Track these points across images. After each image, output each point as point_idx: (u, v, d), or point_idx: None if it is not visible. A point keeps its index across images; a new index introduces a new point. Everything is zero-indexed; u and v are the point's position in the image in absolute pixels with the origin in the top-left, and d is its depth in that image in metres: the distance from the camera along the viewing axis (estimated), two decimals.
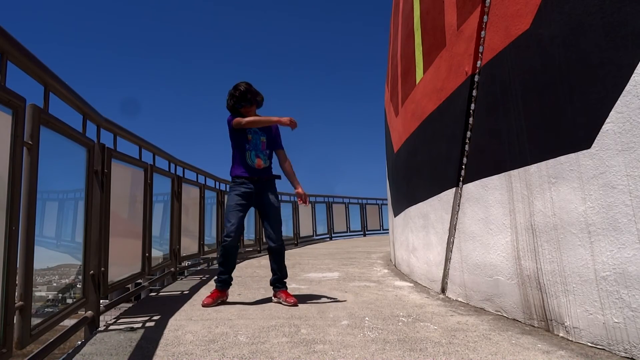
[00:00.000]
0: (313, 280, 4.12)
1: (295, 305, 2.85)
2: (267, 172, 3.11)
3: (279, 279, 3.05)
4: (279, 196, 3.24)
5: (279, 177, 3.18)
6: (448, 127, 3.18)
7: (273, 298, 3.04)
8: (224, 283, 3.00)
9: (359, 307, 2.82)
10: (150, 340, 2.09)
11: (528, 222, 2.33)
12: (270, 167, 3.15)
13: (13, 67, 1.71)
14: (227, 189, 6.90)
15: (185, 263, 5.37)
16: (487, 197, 2.68)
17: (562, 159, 2.09)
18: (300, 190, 3.17)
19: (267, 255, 3.14)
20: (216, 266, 5.78)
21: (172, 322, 2.46)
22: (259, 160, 3.05)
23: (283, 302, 2.92)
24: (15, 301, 1.60)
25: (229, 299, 3.06)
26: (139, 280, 3.80)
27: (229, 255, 2.98)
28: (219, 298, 2.96)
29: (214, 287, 3.02)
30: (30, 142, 1.71)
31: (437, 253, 3.42)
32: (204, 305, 2.86)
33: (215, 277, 3.02)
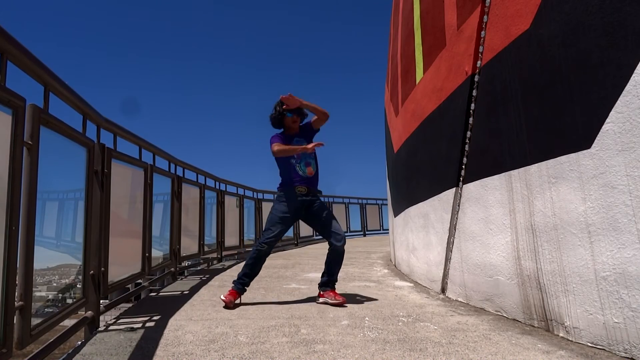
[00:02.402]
0: (313, 280, 4.12)
1: (343, 303, 2.86)
2: (316, 180, 3.14)
3: (332, 282, 3.04)
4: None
5: (321, 192, 3.24)
6: (448, 127, 3.18)
7: (319, 299, 3.00)
8: (245, 285, 3.00)
9: (359, 307, 2.82)
10: (150, 340, 2.09)
11: (528, 222, 2.33)
12: (318, 171, 3.18)
13: (13, 67, 1.71)
14: (226, 189, 6.89)
15: (185, 263, 5.37)
16: (487, 197, 2.68)
17: (562, 159, 2.09)
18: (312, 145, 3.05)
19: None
20: (217, 266, 5.79)
21: (172, 322, 2.46)
22: (309, 169, 3.08)
23: (330, 301, 2.91)
24: (15, 301, 1.60)
25: None
26: (139, 280, 3.80)
27: (260, 260, 3.01)
28: (237, 298, 2.96)
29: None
30: (30, 142, 1.71)
31: (437, 253, 3.42)
32: (226, 304, 2.85)
33: (238, 279, 2.99)
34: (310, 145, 2.96)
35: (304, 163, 3.07)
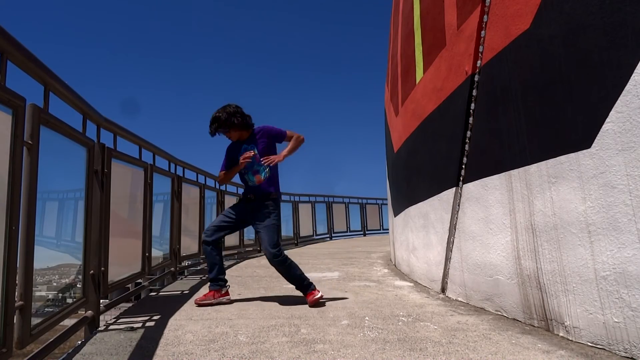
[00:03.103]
0: (313, 280, 4.10)
1: (316, 303, 2.84)
2: (268, 185, 3.05)
3: (298, 288, 2.99)
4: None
5: (275, 195, 3.11)
6: (448, 127, 3.18)
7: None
8: (219, 281, 3.07)
9: (359, 307, 2.82)
10: (150, 340, 2.09)
11: (528, 221, 2.33)
12: (272, 176, 3.08)
13: (13, 67, 1.71)
14: (226, 189, 6.90)
15: (185, 263, 5.37)
16: (487, 196, 2.68)
17: (562, 158, 2.09)
18: (279, 156, 3.01)
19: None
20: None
21: (172, 321, 2.46)
22: (257, 177, 3.05)
23: (308, 304, 2.87)
24: (15, 301, 1.60)
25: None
26: (139, 280, 3.80)
27: (209, 252, 3.09)
28: (218, 296, 3.02)
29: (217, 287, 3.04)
30: (30, 142, 1.71)
31: (437, 253, 3.42)
32: (198, 304, 2.92)
33: (210, 278, 3.07)
34: (241, 161, 2.97)
35: (251, 172, 3.05)
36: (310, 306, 2.81)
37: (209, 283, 3.05)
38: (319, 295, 2.88)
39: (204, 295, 3.01)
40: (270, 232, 2.95)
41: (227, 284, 3.09)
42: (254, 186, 3.05)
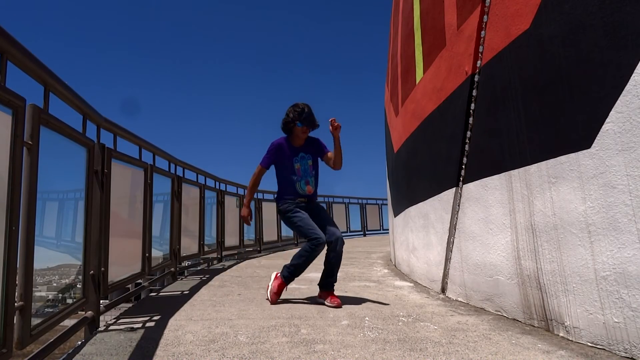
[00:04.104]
0: (313, 280, 4.11)
1: (339, 306, 2.83)
2: (315, 196, 3.19)
3: (331, 283, 3.02)
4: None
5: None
6: (448, 127, 3.18)
7: (318, 298, 3.01)
8: (292, 275, 3.04)
9: (359, 307, 2.82)
10: (150, 340, 2.09)
11: (528, 222, 2.33)
12: (317, 185, 3.20)
13: (13, 67, 1.71)
14: (226, 189, 6.89)
15: (185, 263, 5.37)
16: (487, 197, 2.68)
17: (562, 158, 2.09)
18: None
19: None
20: (217, 266, 5.79)
21: (172, 322, 2.46)
22: (308, 187, 3.10)
23: (327, 304, 2.89)
24: (15, 301, 1.60)
25: (229, 299, 3.06)
26: (139, 280, 3.80)
27: (316, 253, 2.98)
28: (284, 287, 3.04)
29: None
30: (30, 142, 1.71)
31: (437, 253, 3.42)
32: (272, 299, 2.96)
33: (290, 269, 3.01)
34: (243, 215, 3.21)
35: (304, 181, 3.09)
36: (330, 305, 2.87)
37: (284, 272, 3.01)
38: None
39: (276, 287, 2.99)
40: (333, 222, 3.11)
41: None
42: (305, 195, 3.09)
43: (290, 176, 3.08)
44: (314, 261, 2.95)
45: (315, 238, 2.89)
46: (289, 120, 3.07)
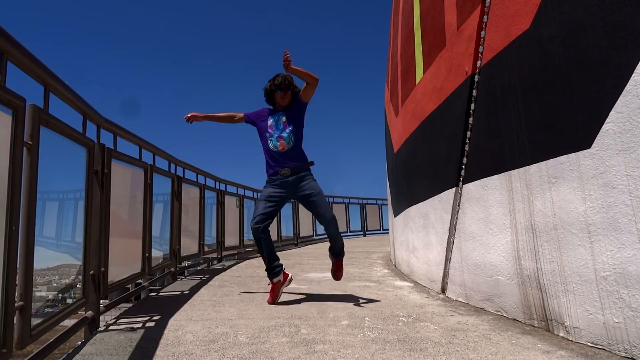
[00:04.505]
0: (313, 280, 4.12)
1: (338, 270, 3.07)
2: (294, 158, 3.02)
3: (335, 252, 3.12)
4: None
5: (312, 163, 3.11)
6: (448, 127, 3.18)
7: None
8: (275, 269, 2.97)
9: (359, 307, 2.82)
10: (150, 340, 2.09)
11: (528, 222, 2.33)
12: (297, 147, 3.06)
13: (13, 67, 1.71)
14: (226, 189, 6.90)
15: (185, 263, 5.37)
16: (487, 197, 2.68)
17: (562, 158, 2.09)
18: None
19: None
20: (217, 266, 5.79)
21: (172, 322, 2.46)
22: (281, 143, 3.02)
23: (331, 272, 3.15)
24: (15, 301, 1.60)
25: (229, 299, 3.06)
26: (139, 280, 3.80)
27: (261, 241, 2.95)
28: (282, 285, 3.01)
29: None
30: (30, 142, 1.71)
31: (437, 253, 3.42)
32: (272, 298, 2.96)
33: (267, 271, 2.99)
34: (189, 115, 3.18)
35: (276, 137, 3.05)
36: (336, 278, 3.09)
37: (270, 275, 2.96)
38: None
39: (271, 290, 2.97)
40: (324, 199, 3.05)
41: (283, 266, 3.05)
42: (278, 152, 3.00)
43: (265, 135, 3.09)
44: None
45: (252, 226, 2.98)
46: (268, 88, 3.11)
